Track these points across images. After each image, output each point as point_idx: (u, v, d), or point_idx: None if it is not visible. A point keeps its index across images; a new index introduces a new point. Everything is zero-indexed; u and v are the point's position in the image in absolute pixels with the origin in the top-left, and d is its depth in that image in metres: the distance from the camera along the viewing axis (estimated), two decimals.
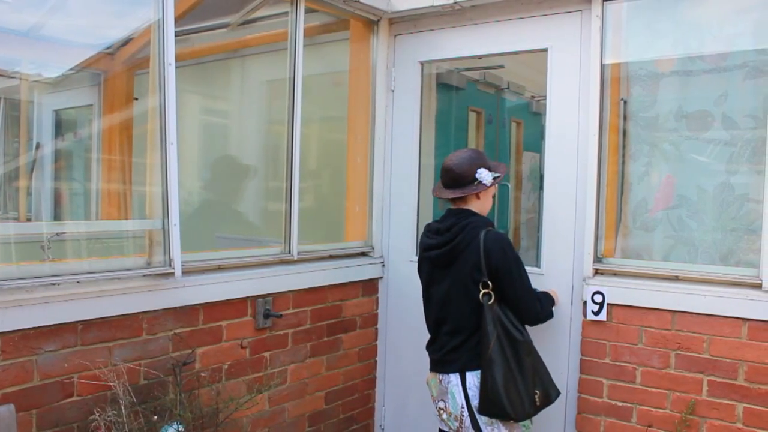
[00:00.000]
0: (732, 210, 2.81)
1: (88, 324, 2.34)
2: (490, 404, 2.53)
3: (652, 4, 2.94)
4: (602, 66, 2.97)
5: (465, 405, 2.59)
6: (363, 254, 3.63)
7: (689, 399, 2.75)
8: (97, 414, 2.27)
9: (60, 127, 4.13)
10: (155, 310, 2.56)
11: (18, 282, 2.11)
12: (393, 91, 3.65)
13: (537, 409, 2.62)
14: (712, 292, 2.69)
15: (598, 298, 2.93)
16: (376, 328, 3.70)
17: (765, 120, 2.63)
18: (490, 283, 2.57)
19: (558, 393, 2.70)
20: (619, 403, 2.92)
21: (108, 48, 3.68)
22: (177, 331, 2.64)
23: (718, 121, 2.84)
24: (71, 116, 4.20)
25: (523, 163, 5.61)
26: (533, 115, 5.68)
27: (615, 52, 3.01)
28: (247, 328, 2.94)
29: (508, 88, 5.27)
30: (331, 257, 3.43)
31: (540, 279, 3.10)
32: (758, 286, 2.62)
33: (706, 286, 2.72)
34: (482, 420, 2.57)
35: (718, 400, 2.70)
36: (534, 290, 2.71)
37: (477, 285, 2.58)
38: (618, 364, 2.91)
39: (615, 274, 2.96)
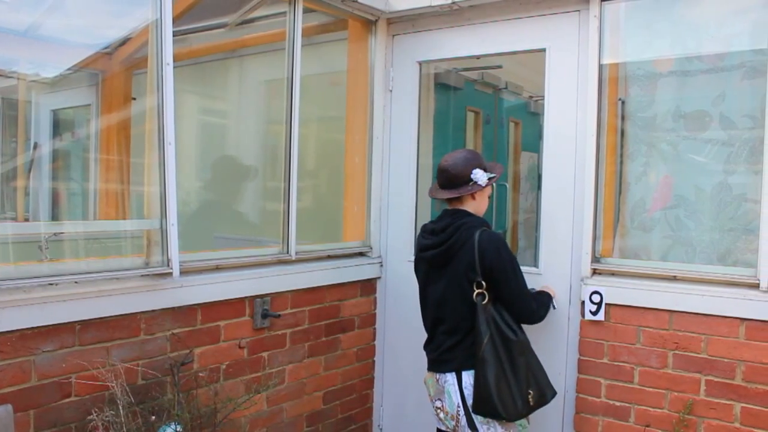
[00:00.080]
0: (730, 210, 2.81)
1: (86, 324, 2.34)
2: (483, 403, 2.54)
3: (650, 4, 2.94)
4: (600, 66, 2.97)
5: (461, 404, 2.60)
6: (361, 254, 3.64)
7: (687, 399, 2.76)
8: (95, 414, 2.27)
9: (58, 127, 4.13)
10: (153, 310, 2.56)
11: (16, 282, 2.11)
12: (391, 91, 3.65)
13: (531, 409, 2.62)
14: (710, 292, 2.70)
15: (596, 298, 2.93)
16: (374, 328, 3.70)
17: (763, 120, 2.64)
18: (483, 283, 2.57)
19: (554, 393, 2.70)
20: (617, 403, 2.92)
21: (106, 48, 3.68)
22: (175, 331, 2.64)
23: (716, 121, 2.84)
24: (69, 116, 4.20)
25: (521, 163, 5.61)
26: (531, 115, 5.67)
27: (613, 52, 3.01)
28: (245, 328, 2.94)
29: (506, 88, 5.27)
30: (330, 257, 3.43)
31: (538, 279, 3.10)
32: (756, 286, 2.62)
33: (704, 286, 2.72)
34: (478, 419, 2.57)
35: (715, 400, 2.70)
36: (531, 290, 2.71)
37: (472, 285, 2.58)
38: (616, 363, 2.91)
39: (613, 274, 2.97)
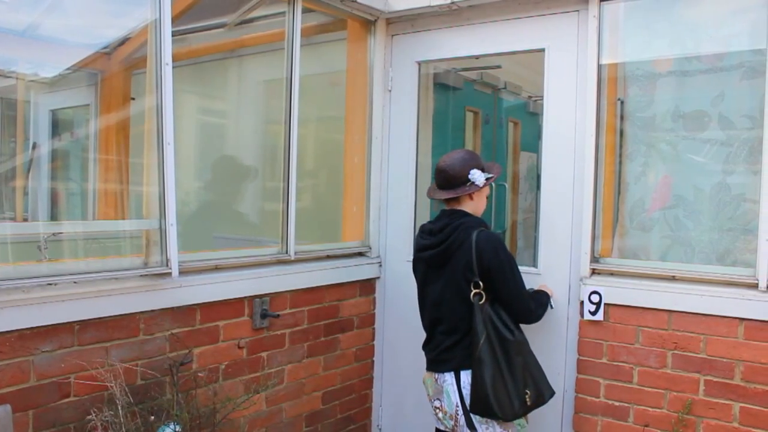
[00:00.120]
0: (729, 210, 2.81)
1: (85, 324, 2.34)
2: (479, 403, 2.54)
3: (649, 4, 2.94)
4: (599, 66, 2.97)
5: (460, 404, 2.60)
6: (360, 254, 3.64)
7: (686, 399, 2.76)
8: (94, 414, 2.27)
9: (57, 126, 4.12)
10: (152, 310, 2.56)
11: (15, 282, 2.10)
12: (390, 91, 3.65)
13: (528, 409, 2.62)
14: (709, 292, 2.70)
15: (595, 298, 2.93)
16: (374, 328, 3.70)
17: (761, 120, 2.64)
18: (481, 283, 2.58)
19: (552, 393, 2.70)
20: (616, 403, 2.92)
21: (105, 48, 3.67)
22: (174, 331, 2.64)
23: (715, 122, 2.85)
24: (68, 116, 4.19)
25: (520, 163, 5.62)
26: (530, 115, 5.68)
27: (612, 53, 3.02)
28: (244, 328, 2.94)
29: (505, 88, 5.27)
30: (329, 257, 3.43)
31: (537, 279, 3.10)
32: (755, 286, 2.62)
33: (703, 286, 2.73)
34: (476, 419, 2.57)
35: (714, 400, 2.70)
36: (529, 290, 2.71)
37: (470, 285, 2.59)
38: (615, 363, 2.91)
39: (612, 274, 2.97)
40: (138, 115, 3.38)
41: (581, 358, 3.00)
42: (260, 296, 2.98)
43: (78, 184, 3.96)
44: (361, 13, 3.50)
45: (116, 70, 3.75)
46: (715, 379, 2.70)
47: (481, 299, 2.57)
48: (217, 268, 2.85)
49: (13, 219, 3.57)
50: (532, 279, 3.02)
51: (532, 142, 5.41)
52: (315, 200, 4.12)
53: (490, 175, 2.70)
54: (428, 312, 2.77)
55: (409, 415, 3.61)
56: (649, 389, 2.84)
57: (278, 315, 3.05)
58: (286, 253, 3.16)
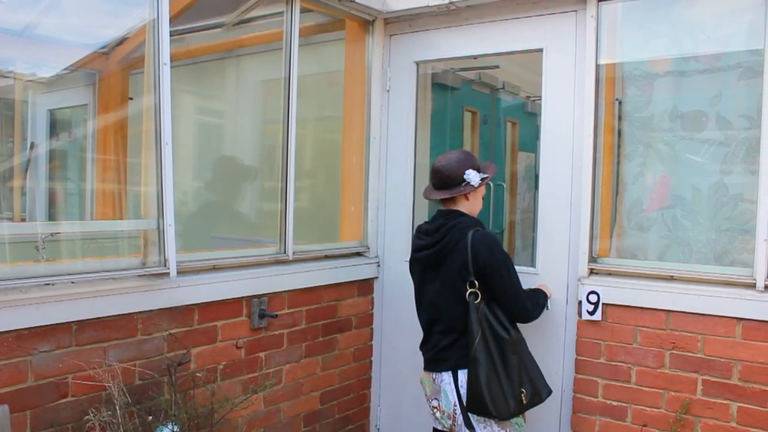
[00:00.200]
0: (726, 210, 2.82)
1: (82, 324, 2.33)
2: (475, 402, 2.54)
3: (646, 4, 2.95)
4: (597, 66, 2.97)
5: (457, 403, 2.60)
6: (358, 254, 3.64)
7: (684, 398, 2.76)
8: (92, 414, 2.26)
9: (54, 126, 4.12)
10: (150, 311, 2.55)
11: (12, 282, 2.10)
12: (388, 91, 3.65)
13: (524, 408, 2.63)
14: (707, 292, 2.70)
15: (593, 298, 2.93)
16: (372, 328, 3.70)
17: (759, 120, 2.64)
18: (476, 282, 2.58)
19: (549, 392, 2.70)
20: (614, 403, 2.92)
21: (103, 47, 3.67)
22: (172, 331, 2.64)
23: (713, 122, 2.85)
24: (66, 116, 4.19)
25: (518, 163, 5.63)
26: (528, 115, 5.69)
27: (610, 53, 3.02)
28: (242, 329, 2.94)
29: (503, 88, 5.28)
30: (327, 257, 3.43)
31: (535, 279, 3.10)
32: (752, 286, 2.63)
33: (701, 286, 2.73)
34: (474, 418, 2.58)
35: (712, 400, 2.71)
36: (526, 289, 2.72)
37: (465, 284, 2.59)
38: (613, 363, 2.92)
39: (610, 273, 2.97)
40: (136, 115, 3.37)
41: (579, 357, 3.00)
42: (258, 296, 2.98)
43: (76, 184, 3.96)
44: (359, 13, 3.50)
45: (114, 70, 3.75)
46: (713, 379, 2.70)
47: (476, 298, 2.58)
48: (215, 268, 2.85)
49: (11, 219, 3.57)
50: (530, 279, 3.02)
51: (530, 142, 5.43)
52: (313, 200, 4.12)
53: (485, 176, 2.71)
54: (425, 312, 2.77)
55: (408, 414, 3.61)
56: (647, 389, 2.85)
57: (276, 315, 3.05)
58: (285, 253, 3.16)
